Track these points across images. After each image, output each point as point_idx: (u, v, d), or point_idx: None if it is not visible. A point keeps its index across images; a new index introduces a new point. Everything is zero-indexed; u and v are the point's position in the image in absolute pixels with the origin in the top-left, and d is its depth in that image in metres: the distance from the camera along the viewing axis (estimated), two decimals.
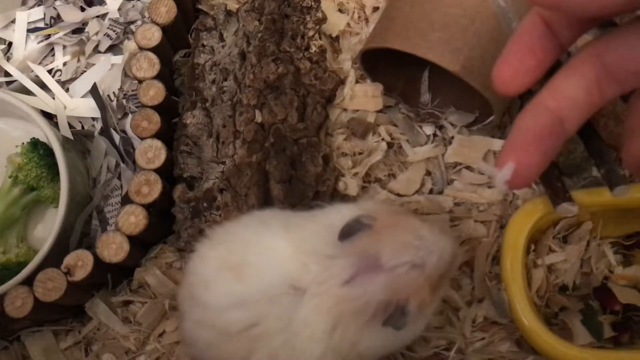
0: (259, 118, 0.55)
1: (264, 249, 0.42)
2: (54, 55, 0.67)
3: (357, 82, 0.61)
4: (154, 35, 0.58)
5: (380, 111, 0.60)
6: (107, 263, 0.52)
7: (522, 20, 0.32)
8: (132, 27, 0.66)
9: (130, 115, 0.63)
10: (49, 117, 0.63)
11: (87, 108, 0.63)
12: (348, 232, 0.40)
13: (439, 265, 0.39)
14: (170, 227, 0.57)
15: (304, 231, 0.42)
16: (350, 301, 0.39)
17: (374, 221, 0.40)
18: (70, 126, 0.63)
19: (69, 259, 0.51)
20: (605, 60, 0.29)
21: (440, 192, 0.57)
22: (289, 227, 0.43)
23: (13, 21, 0.68)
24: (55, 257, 0.52)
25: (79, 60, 0.66)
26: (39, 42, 0.67)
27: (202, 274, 0.44)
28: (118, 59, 0.65)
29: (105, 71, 0.65)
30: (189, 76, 0.60)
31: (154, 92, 0.57)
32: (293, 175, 0.54)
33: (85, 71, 0.66)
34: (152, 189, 0.53)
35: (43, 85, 0.65)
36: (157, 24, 0.58)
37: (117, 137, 0.62)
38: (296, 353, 0.40)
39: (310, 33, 0.59)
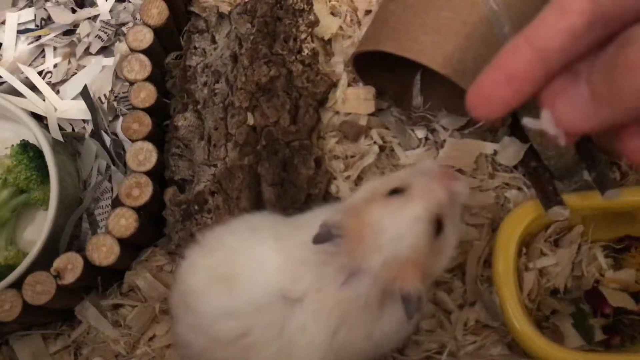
0: (250, 120, 0.55)
1: (253, 260, 0.42)
2: (44, 56, 0.66)
3: (349, 85, 0.61)
4: (146, 37, 0.58)
5: (372, 114, 0.60)
6: (97, 266, 0.51)
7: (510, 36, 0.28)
8: (124, 28, 0.66)
9: (121, 118, 0.63)
10: (39, 119, 0.62)
11: (77, 110, 0.63)
12: (321, 240, 0.40)
13: (417, 242, 0.39)
14: (161, 230, 0.57)
15: (292, 242, 0.42)
16: (352, 300, 0.39)
17: (343, 230, 0.39)
18: (61, 128, 0.62)
19: (58, 262, 0.51)
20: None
21: None
22: (278, 237, 0.43)
23: (3, 22, 0.67)
24: (44, 260, 0.52)
25: (69, 62, 0.66)
26: (29, 44, 0.66)
27: (192, 284, 0.44)
28: (109, 61, 0.65)
29: (96, 73, 0.65)
30: (180, 78, 0.60)
31: (145, 94, 0.56)
32: (285, 178, 0.54)
33: (76, 73, 0.65)
34: (143, 192, 0.53)
35: (33, 87, 0.64)
36: (149, 26, 0.58)
37: (107, 140, 0.62)
38: None
39: (303, 36, 0.59)
